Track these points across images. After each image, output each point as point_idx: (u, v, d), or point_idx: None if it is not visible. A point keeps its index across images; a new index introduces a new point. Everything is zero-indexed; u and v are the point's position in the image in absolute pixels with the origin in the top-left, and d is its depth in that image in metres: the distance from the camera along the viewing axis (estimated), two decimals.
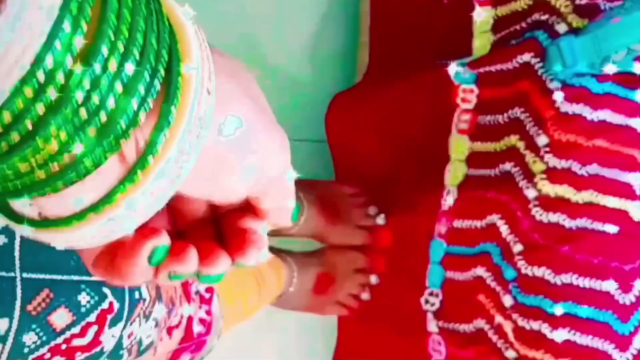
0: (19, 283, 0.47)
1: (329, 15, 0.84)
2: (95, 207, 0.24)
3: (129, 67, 0.23)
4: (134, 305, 0.51)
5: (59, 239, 0.25)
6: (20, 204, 0.25)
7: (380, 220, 0.76)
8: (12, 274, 0.47)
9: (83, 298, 0.49)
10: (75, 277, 0.49)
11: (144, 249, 0.27)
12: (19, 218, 0.26)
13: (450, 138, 0.71)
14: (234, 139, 0.27)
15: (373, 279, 0.76)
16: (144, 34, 0.24)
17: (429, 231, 0.70)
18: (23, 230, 0.26)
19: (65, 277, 0.48)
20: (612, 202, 0.63)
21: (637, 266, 0.64)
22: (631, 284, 0.63)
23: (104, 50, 0.22)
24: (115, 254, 0.27)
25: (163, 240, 0.27)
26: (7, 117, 0.22)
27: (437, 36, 0.74)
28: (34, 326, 0.47)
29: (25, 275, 0.47)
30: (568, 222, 0.64)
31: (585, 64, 0.62)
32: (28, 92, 0.21)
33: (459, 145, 0.70)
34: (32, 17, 0.20)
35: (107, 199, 0.24)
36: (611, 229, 0.63)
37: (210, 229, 0.30)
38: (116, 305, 0.50)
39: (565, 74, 0.66)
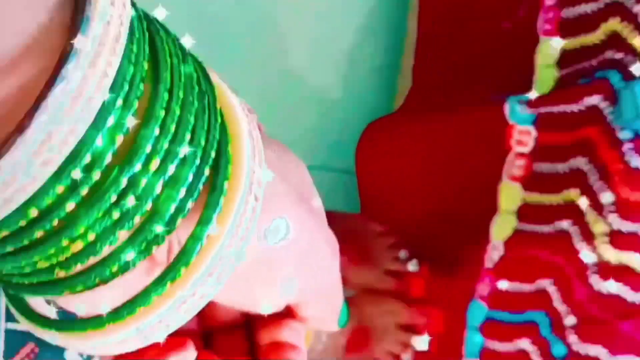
0: (2, 334, 0.45)
1: (370, 32, 0.78)
2: (115, 317, 0.24)
3: (171, 168, 0.23)
4: None
5: (76, 345, 0.25)
6: (36, 302, 0.26)
7: (413, 266, 0.69)
8: None
9: (70, 355, 0.47)
10: None
11: None
12: (34, 317, 0.26)
13: (500, 185, 0.65)
14: (279, 247, 0.26)
15: (423, 344, 0.68)
16: (192, 130, 0.23)
17: (468, 290, 0.64)
18: (37, 332, 0.25)
19: None
20: None
21: None
22: None
23: (147, 148, 0.22)
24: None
25: (189, 356, 0.27)
26: (33, 212, 0.21)
27: (493, 66, 0.68)
28: None
29: (10, 326, 0.46)
30: (631, 295, 0.58)
31: None
32: (60, 188, 0.21)
33: (510, 194, 0.64)
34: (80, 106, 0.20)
35: (129, 308, 0.24)
36: None
37: (242, 333, 0.29)
38: None
39: (639, 122, 0.59)
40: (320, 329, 0.31)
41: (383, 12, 0.79)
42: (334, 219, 0.75)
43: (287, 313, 0.29)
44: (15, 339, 0.44)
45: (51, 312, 0.26)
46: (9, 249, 0.22)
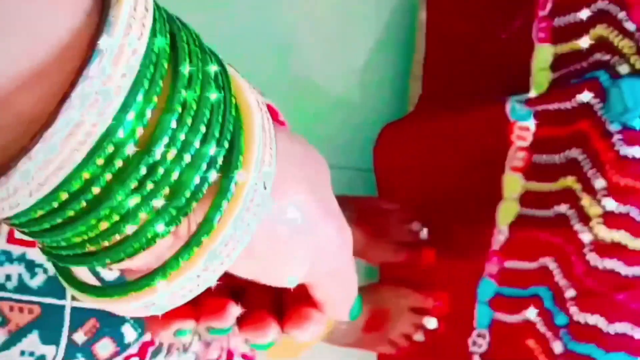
0: (68, 311, 0.47)
1: (383, 43, 0.82)
2: (137, 286, 0.25)
3: (187, 157, 0.23)
4: None
5: (110, 308, 0.26)
6: (78, 270, 0.27)
7: (424, 235, 0.73)
8: (63, 302, 0.47)
9: (127, 330, 0.49)
10: None
11: (170, 328, 0.28)
12: (75, 283, 0.27)
13: (504, 176, 0.69)
14: (291, 227, 0.26)
15: (432, 323, 0.73)
16: (207, 123, 0.24)
17: (478, 270, 0.68)
18: (79, 297, 0.27)
19: None
20: None
21: None
22: None
23: (165, 139, 0.23)
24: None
25: (186, 326, 0.28)
26: (64, 195, 0.22)
27: (494, 71, 0.72)
28: (79, 355, 0.47)
29: (74, 304, 0.48)
30: (624, 270, 0.62)
31: None
32: (86, 174, 0.22)
33: (513, 184, 0.68)
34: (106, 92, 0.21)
35: (160, 274, 0.25)
36: None
37: (271, 290, 0.29)
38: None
39: (626, 116, 0.64)
40: (332, 316, 0.30)
41: (394, 30, 0.83)
42: (352, 202, 0.77)
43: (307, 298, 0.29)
44: (79, 315, 0.47)
45: (90, 279, 0.27)
46: (46, 225, 0.24)
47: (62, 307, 0.47)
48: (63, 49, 0.21)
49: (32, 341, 0.46)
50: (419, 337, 0.74)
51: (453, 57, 0.77)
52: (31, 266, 0.47)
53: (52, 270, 0.47)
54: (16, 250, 0.47)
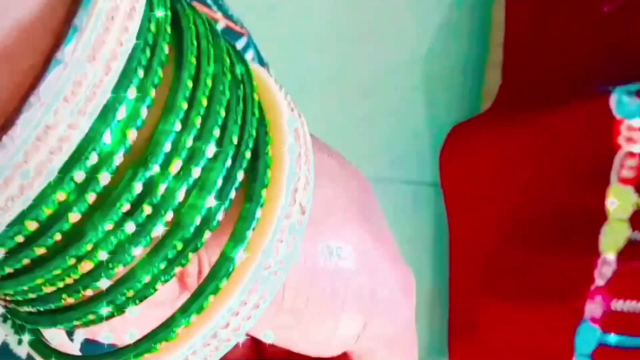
0: None
1: (453, 29, 0.73)
2: (134, 350, 0.22)
3: (196, 171, 0.20)
4: None
5: None
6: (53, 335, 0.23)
7: None
8: None
9: None
10: None
11: None
12: (49, 352, 0.24)
13: (609, 190, 0.59)
14: (334, 273, 0.23)
15: None
16: (222, 125, 0.21)
17: (576, 313, 0.58)
18: None
19: None
20: None
21: None
22: None
23: (167, 146, 0.20)
24: None
25: None
26: (31, 225, 0.19)
27: (594, 54, 0.62)
28: None
29: None
30: None
31: None
32: (61, 195, 0.19)
33: (621, 200, 0.59)
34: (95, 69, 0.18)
35: (148, 344, 0.22)
36: None
37: None
38: None
39: None
40: None
41: (465, 4, 0.74)
42: None
43: None
44: None
45: (73, 348, 0.24)
46: (8, 270, 0.20)
47: None
48: (31, 25, 0.18)
49: None
50: None
51: (541, 37, 0.67)
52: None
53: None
54: None
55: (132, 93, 0.19)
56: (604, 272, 0.58)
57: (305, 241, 0.22)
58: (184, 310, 0.21)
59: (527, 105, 0.66)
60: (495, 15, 0.71)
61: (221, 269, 0.21)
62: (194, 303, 0.21)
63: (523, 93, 0.68)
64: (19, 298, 0.22)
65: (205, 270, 0.22)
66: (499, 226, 0.65)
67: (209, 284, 0.21)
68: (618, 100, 0.58)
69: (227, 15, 0.51)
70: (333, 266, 0.23)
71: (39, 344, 0.24)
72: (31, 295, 0.21)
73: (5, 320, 0.24)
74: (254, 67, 0.24)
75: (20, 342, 0.25)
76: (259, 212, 0.21)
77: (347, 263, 0.24)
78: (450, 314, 0.68)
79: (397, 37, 0.73)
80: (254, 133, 0.22)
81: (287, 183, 0.22)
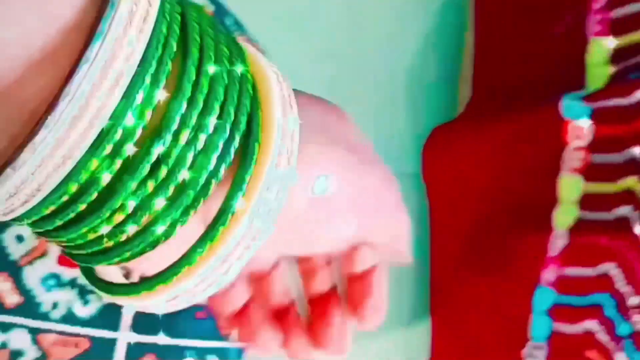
0: (120, 346, 0.43)
1: (431, 48, 0.80)
2: (163, 279, 0.24)
3: (202, 139, 0.22)
4: None
5: (134, 305, 0.25)
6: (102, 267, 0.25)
7: None
8: (116, 335, 0.44)
9: None
10: (182, 342, 0.44)
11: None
12: (97, 282, 0.26)
13: (560, 178, 0.66)
14: (326, 197, 0.25)
15: None
16: (222, 102, 0.23)
17: (533, 278, 0.65)
18: (107, 299, 0.26)
19: (171, 342, 0.44)
20: None
21: None
22: None
23: (177, 122, 0.21)
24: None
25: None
26: (73, 187, 0.21)
27: (546, 70, 0.69)
28: None
29: (130, 338, 0.44)
30: None
31: None
32: (94, 163, 0.20)
33: (571, 186, 0.65)
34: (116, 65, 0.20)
35: (175, 269, 0.24)
36: None
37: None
38: None
39: None
40: (394, 259, 0.28)
41: (442, 29, 0.80)
42: None
43: (336, 295, 0.29)
44: (135, 351, 0.43)
45: (118, 277, 0.26)
46: (58, 222, 0.22)
47: (114, 340, 0.43)
48: (69, 30, 0.19)
49: None
50: None
51: (504, 57, 0.74)
52: (83, 292, 0.43)
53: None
54: (67, 273, 0.43)
55: (147, 81, 0.21)
56: (557, 245, 0.64)
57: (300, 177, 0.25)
58: (202, 239, 0.23)
59: (492, 113, 0.72)
60: (467, 39, 0.76)
61: (226, 208, 0.23)
62: (217, 222, 0.23)
63: (489, 103, 0.74)
64: (71, 244, 0.24)
65: (214, 210, 0.24)
66: (474, 211, 0.72)
67: (219, 219, 0.23)
68: (566, 105, 0.65)
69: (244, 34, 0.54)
70: (322, 194, 0.25)
71: (94, 277, 0.26)
72: (79, 241, 0.23)
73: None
74: (249, 49, 0.26)
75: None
76: (254, 161, 0.23)
77: (332, 192, 0.25)
78: (431, 286, 0.74)
79: (384, 52, 0.77)
80: (248, 105, 0.24)
81: (276, 138, 0.24)
